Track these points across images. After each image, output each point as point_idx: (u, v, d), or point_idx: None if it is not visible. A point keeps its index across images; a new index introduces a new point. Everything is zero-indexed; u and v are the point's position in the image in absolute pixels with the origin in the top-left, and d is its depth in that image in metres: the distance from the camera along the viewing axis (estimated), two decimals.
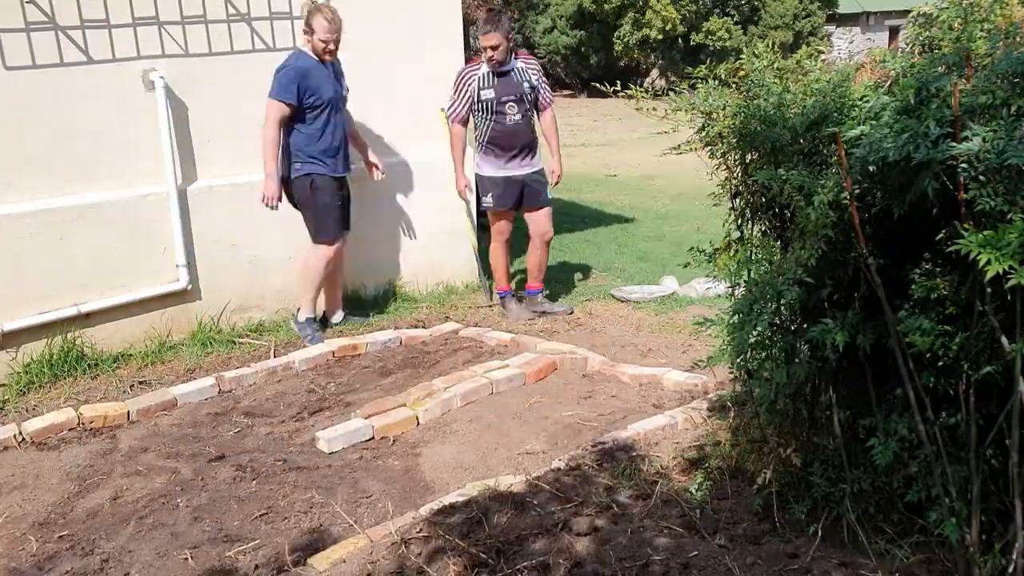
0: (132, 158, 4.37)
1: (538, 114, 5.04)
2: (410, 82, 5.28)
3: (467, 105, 4.90)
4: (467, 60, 5.34)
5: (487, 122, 4.89)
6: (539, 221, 5.07)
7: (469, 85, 4.86)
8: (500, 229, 5.10)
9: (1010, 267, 1.65)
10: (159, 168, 4.42)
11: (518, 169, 4.96)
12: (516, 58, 4.94)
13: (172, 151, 4.43)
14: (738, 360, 2.51)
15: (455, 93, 4.92)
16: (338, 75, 4.61)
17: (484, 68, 4.84)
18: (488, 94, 4.83)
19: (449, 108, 4.99)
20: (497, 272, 5.18)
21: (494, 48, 4.75)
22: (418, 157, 5.41)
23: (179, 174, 4.50)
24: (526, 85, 4.90)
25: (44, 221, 4.13)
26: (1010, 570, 1.98)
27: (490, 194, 5.00)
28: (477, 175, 5.09)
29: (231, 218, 4.70)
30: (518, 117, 4.88)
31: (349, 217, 4.76)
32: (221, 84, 4.60)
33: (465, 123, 4.98)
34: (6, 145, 4.03)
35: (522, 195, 4.99)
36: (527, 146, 4.98)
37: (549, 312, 5.12)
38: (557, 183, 5.12)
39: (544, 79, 5.05)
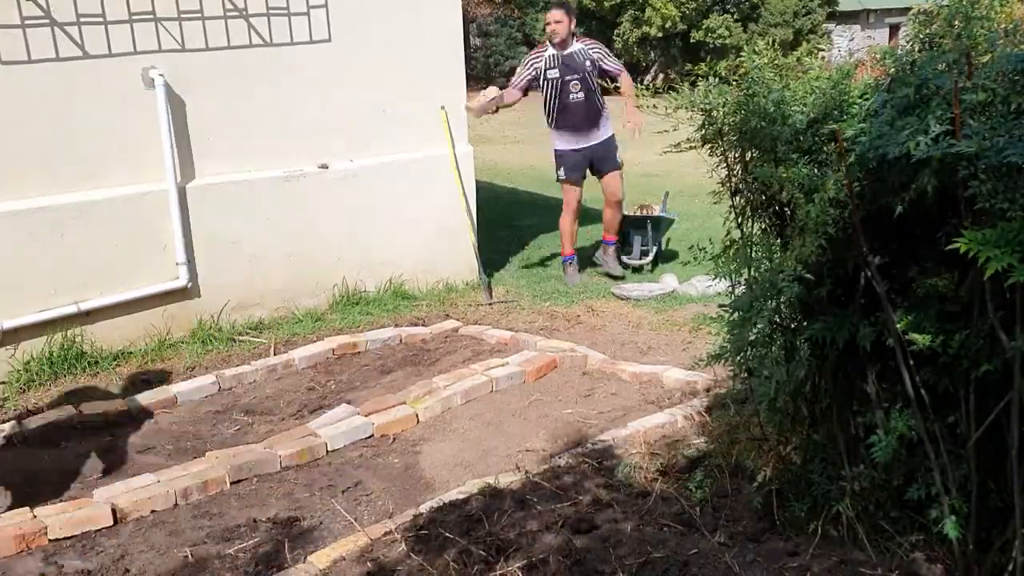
0: (131, 155, 4.36)
1: (614, 83, 5.34)
2: (410, 80, 5.27)
3: (528, 79, 5.59)
4: (466, 57, 5.39)
5: (554, 100, 5.53)
6: (609, 184, 5.78)
7: (535, 65, 5.55)
8: (569, 200, 5.78)
9: (1009, 264, 1.65)
10: (158, 165, 4.41)
11: (587, 141, 5.64)
12: (577, 42, 5.58)
13: (171, 148, 4.42)
14: (738, 358, 2.50)
15: (521, 68, 5.66)
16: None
17: (550, 50, 5.50)
18: (554, 73, 5.48)
19: (514, 79, 5.69)
20: (563, 238, 5.87)
21: (557, 22, 5.42)
22: (418, 155, 5.41)
23: (178, 171, 4.50)
24: (587, 63, 5.49)
25: (44, 219, 4.13)
26: (1009, 568, 1.98)
27: (562, 168, 5.70)
28: (555, 150, 5.74)
29: (231, 215, 4.70)
30: (580, 95, 5.50)
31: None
32: (219, 80, 4.60)
33: (523, 92, 5.64)
34: (5, 142, 4.02)
35: (591, 165, 5.73)
36: (592, 119, 5.61)
37: (610, 272, 5.92)
38: (636, 134, 5.33)
39: (607, 55, 5.64)
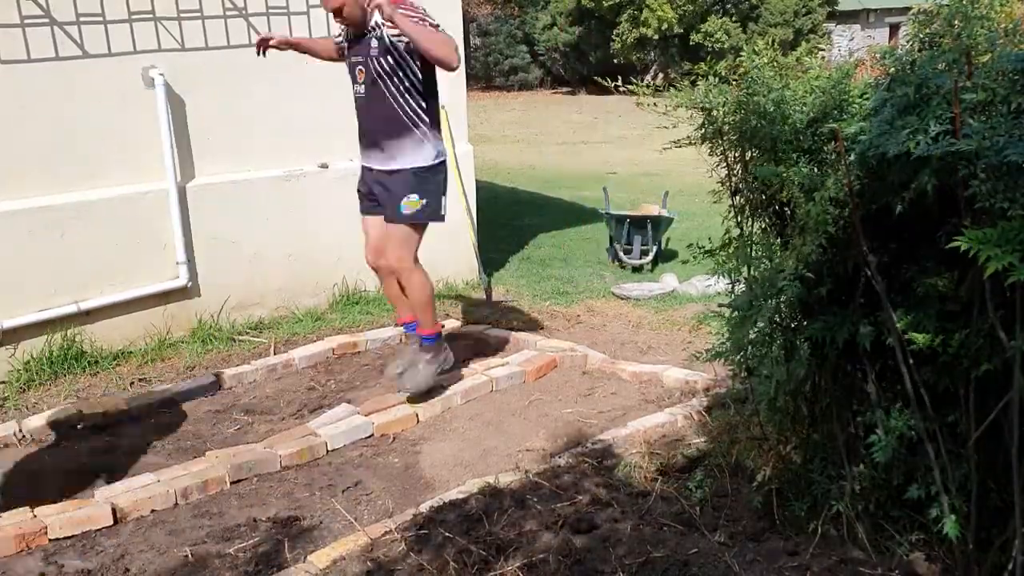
0: (131, 155, 4.36)
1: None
2: None
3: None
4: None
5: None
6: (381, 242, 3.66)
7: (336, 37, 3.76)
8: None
9: (1009, 264, 1.65)
10: (158, 165, 4.41)
11: (365, 161, 3.61)
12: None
13: (171, 148, 4.42)
14: (737, 357, 2.51)
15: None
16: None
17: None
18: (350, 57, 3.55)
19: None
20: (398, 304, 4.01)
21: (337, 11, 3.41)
22: None
23: (178, 171, 4.50)
24: (374, 43, 3.42)
25: (44, 219, 4.12)
26: (1009, 567, 1.98)
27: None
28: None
29: (231, 215, 4.70)
30: (361, 89, 3.51)
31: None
32: (219, 80, 4.59)
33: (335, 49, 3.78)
34: (5, 142, 4.02)
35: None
36: (379, 132, 3.49)
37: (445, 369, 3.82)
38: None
39: (426, 19, 3.37)
